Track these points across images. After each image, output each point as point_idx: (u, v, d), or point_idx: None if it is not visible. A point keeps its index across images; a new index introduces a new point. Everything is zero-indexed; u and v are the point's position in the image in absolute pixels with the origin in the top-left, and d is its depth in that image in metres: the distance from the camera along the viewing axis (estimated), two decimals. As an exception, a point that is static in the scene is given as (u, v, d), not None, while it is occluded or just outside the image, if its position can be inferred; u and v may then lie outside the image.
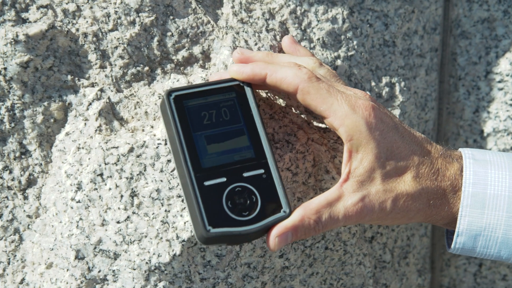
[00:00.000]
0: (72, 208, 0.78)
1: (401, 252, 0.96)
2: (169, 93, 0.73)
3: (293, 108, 0.83)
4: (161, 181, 0.78)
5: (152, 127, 0.81)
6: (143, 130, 0.81)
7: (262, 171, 0.74)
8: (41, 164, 0.81)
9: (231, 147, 0.74)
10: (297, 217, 0.72)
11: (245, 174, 0.73)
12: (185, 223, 0.77)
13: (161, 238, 0.77)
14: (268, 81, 0.74)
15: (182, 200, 0.78)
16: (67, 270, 0.78)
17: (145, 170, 0.78)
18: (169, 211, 0.78)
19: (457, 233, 0.74)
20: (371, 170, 0.73)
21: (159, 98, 0.80)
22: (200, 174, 0.72)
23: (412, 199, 0.74)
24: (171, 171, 0.79)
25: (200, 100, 0.74)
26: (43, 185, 0.81)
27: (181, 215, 0.78)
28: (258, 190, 0.73)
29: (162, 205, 0.78)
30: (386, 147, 0.73)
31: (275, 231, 0.72)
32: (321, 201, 0.72)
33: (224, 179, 0.72)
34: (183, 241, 0.77)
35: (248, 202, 0.72)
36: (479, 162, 0.75)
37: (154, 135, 0.80)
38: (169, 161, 0.79)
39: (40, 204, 0.81)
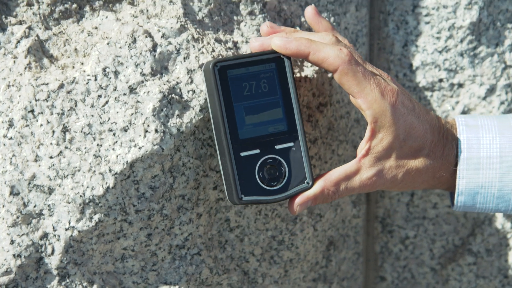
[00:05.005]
0: (4, 145, 0.79)
1: (335, 184, 0.99)
2: (215, 63, 0.78)
3: None
4: (92, 116, 0.80)
5: (82, 63, 0.82)
6: (73, 67, 0.82)
7: (292, 144, 0.81)
8: (-28, 103, 0.81)
9: (266, 119, 0.80)
10: (318, 188, 0.81)
11: (277, 147, 0.81)
12: (117, 156, 0.79)
13: (94, 171, 0.79)
14: (311, 59, 0.79)
15: (114, 134, 0.80)
16: (3, 206, 0.79)
17: (76, 106, 0.80)
18: (101, 145, 0.79)
19: (457, 193, 0.83)
20: (389, 149, 0.81)
21: (201, 68, 0.81)
22: (237, 145, 0.79)
23: (420, 173, 0.83)
24: (102, 106, 0.80)
25: (243, 71, 0.79)
26: (-25, 124, 0.81)
27: (113, 149, 0.79)
28: (287, 162, 0.81)
29: (94, 140, 0.79)
30: (405, 129, 0.80)
31: (298, 200, 0.81)
32: (340, 174, 0.81)
33: (258, 151, 0.80)
34: (116, 173, 0.79)
35: (277, 173, 0.80)
36: (471, 127, 0.83)
37: (84, 71, 0.81)
38: (99, 96, 0.80)
39: (-27, 142, 0.81)
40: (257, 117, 0.80)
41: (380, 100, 0.79)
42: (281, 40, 0.80)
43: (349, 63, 0.78)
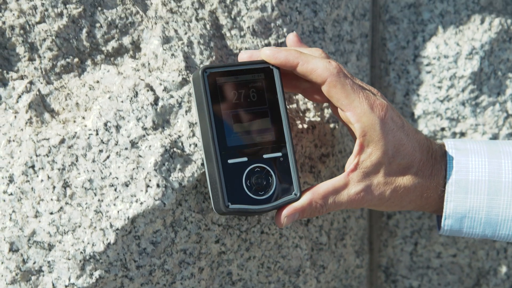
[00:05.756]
0: (4, 201, 0.78)
1: (338, 234, 0.98)
2: (204, 69, 0.77)
3: None
4: (93, 171, 0.79)
5: (83, 118, 0.82)
6: (74, 121, 0.81)
7: (280, 154, 0.80)
8: (-28, 158, 0.81)
9: (254, 127, 0.79)
10: (306, 200, 0.79)
11: (265, 156, 0.79)
12: (118, 211, 0.78)
13: (95, 227, 0.78)
14: (299, 69, 0.79)
15: (115, 189, 0.79)
16: (2, 263, 0.78)
17: (77, 161, 0.79)
18: (102, 200, 0.78)
19: (445, 216, 0.82)
20: (378, 164, 0.80)
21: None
22: (225, 152, 0.77)
23: (408, 192, 0.81)
24: (103, 161, 0.79)
25: (232, 79, 0.79)
26: (-26, 179, 0.81)
27: (114, 204, 0.78)
28: (274, 172, 0.80)
29: (95, 195, 0.79)
30: (394, 145, 0.79)
31: (286, 212, 0.79)
32: (328, 187, 0.80)
33: (246, 159, 0.78)
34: (117, 229, 0.78)
35: (265, 182, 0.79)
36: (460, 151, 0.82)
37: (85, 126, 0.80)
38: (101, 151, 0.80)
39: (-28, 198, 0.81)
40: (245, 126, 0.79)
41: (369, 114, 0.78)
42: (271, 50, 0.80)
43: (337, 75, 0.78)
